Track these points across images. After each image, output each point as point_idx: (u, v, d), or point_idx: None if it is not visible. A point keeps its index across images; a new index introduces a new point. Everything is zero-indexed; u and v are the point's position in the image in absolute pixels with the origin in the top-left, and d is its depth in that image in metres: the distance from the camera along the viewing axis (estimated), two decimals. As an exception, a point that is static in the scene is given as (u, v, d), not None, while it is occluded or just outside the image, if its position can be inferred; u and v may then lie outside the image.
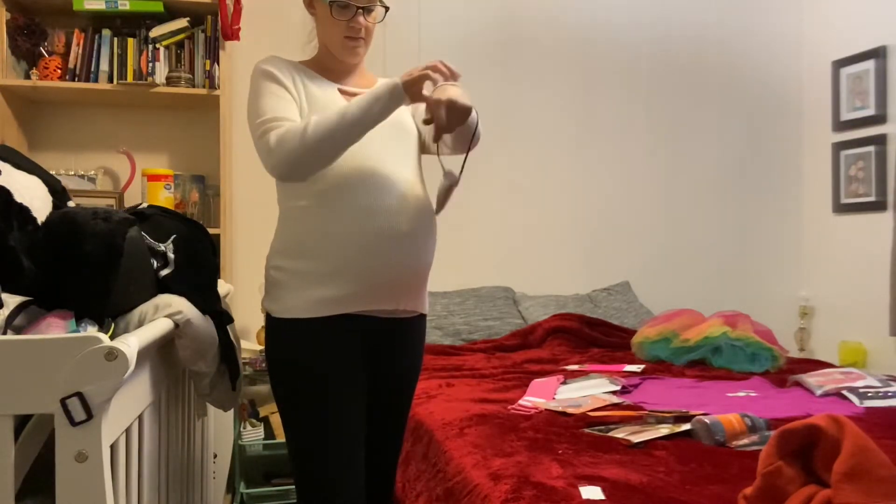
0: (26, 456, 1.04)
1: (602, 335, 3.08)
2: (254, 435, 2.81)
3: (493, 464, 1.54)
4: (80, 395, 0.95)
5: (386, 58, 3.08)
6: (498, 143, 3.43)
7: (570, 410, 1.95)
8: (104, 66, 2.79)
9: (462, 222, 3.23)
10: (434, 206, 1.52)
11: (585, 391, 2.20)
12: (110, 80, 2.80)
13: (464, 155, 1.49)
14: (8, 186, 1.21)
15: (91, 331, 1.15)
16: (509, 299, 3.31)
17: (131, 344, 1.01)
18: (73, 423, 0.95)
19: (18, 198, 1.22)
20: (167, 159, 3.03)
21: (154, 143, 3.02)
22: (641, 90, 3.63)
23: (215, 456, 2.41)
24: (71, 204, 1.45)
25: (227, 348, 1.61)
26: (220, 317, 1.58)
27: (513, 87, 3.47)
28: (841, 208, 3.59)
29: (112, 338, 1.03)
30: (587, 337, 3.05)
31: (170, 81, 2.80)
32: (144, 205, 1.61)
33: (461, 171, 1.45)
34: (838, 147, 3.59)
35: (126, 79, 2.81)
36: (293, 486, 2.79)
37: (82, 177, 2.84)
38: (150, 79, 2.81)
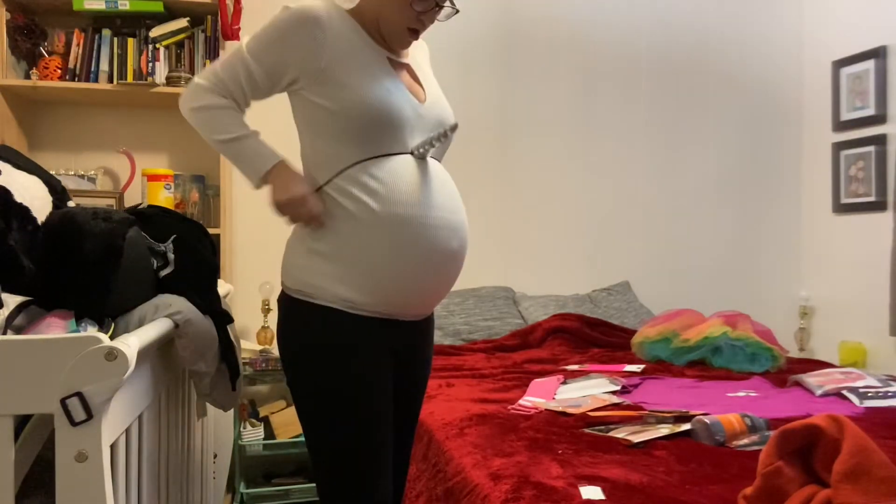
0: (26, 456, 1.04)
1: (602, 335, 3.08)
2: (254, 435, 2.81)
3: (493, 464, 1.54)
4: (80, 395, 0.94)
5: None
6: (498, 142, 3.43)
7: (570, 410, 1.95)
8: (104, 66, 2.79)
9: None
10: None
11: (585, 391, 2.20)
12: (110, 80, 2.80)
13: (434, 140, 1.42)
14: (8, 186, 1.21)
15: (91, 331, 1.15)
16: (509, 299, 3.31)
17: (131, 344, 1.01)
18: (73, 423, 0.95)
19: (18, 198, 1.22)
20: (167, 159, 3.03)
21: (154, 143, 3.02)
22: (641, 90, 3.63)
23: (215, 456, 2.40)
24: (71, 204, 1.45)
25: (227, 348, 1.60)
26: (220, 317, 1.58)
27: (513, 87, 3.47)
28: (841, 208, 3.59)
29: (112, 338, 1.03)
30: (587, 337, 3.05)
31: (170, 81, 2.80)
32: (144, 205, 1.61)
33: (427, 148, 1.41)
34: (838, 147, 3.59)
35: (126, 79, 2.81)
36: (293, 486, 2.83)
37: (82, 177, 2.84)
38: (150, 79, 2.81)
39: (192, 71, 2.87)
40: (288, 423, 2.84)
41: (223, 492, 2.63)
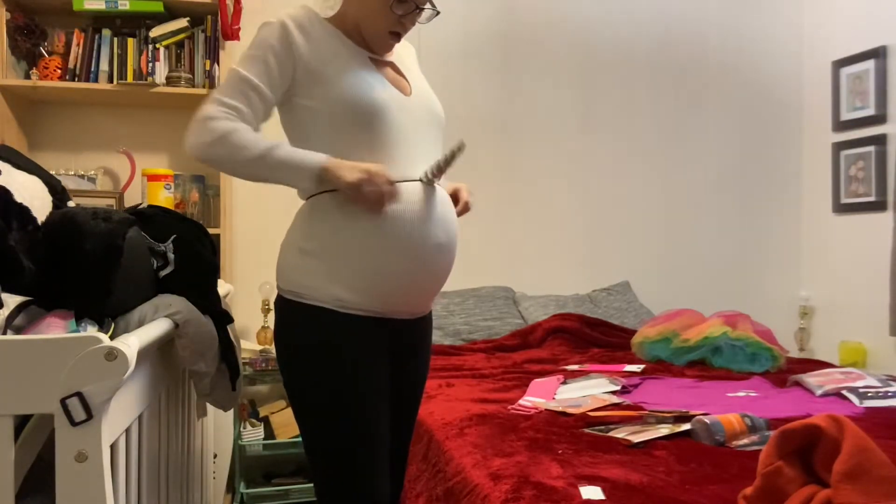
0: (26, 456, 1.04)
1: (602, 335, 3.08)
2: (254, 435, 2.81)
3: (493, 464, 1.54)
4: (80, 395, 0.94)
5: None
6: (498, 142, 3.43)
7: (570, 410, 1.95)
8: (104, 66, 2.79)
9: (462, 222, 3.22)
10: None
11: (585, 391, 2.20)
12: (110, 80, 2.80)
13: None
14: (8, 186, 1.21)
15: (91, 331, 1.15)
16: (509, 299, 3.31)
17: (131, 344, 1.01)
18: (73, 423, 0.95)
19: (18, 198, 1.22)
20: (167, 159, 3.03)
21: (154, 143, 3.02)
22: (641, 90, 3.63)
23: (215, 456, 2.40)
24: (71, 204, 1.45)
25: (227, 348, 1.60)
26: (220, 317, 1.58)
27: (513, 86, 3.47)
28: (841, 208, 3.59)
29: (112, 338, 1.03)
30: (587, 337, 3.05)
31: (170, 81, 2.80)
32: (144, 205, 1.61)
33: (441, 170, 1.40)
34: (838, 147, 3.59)
35: (126, 79, 2.81)
36: (293, 486, 2.83)
37: (82, 177, 2.84)
38: (150, 79, 2.81)
39: (191, 71, 2.87)
40: (288, 423, 2.84)
41: (223, 492, 2.63)
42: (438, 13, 1.46)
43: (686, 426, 1.74)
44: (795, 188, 3.83)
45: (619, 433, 1.71)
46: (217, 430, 2.44)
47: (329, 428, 1.37)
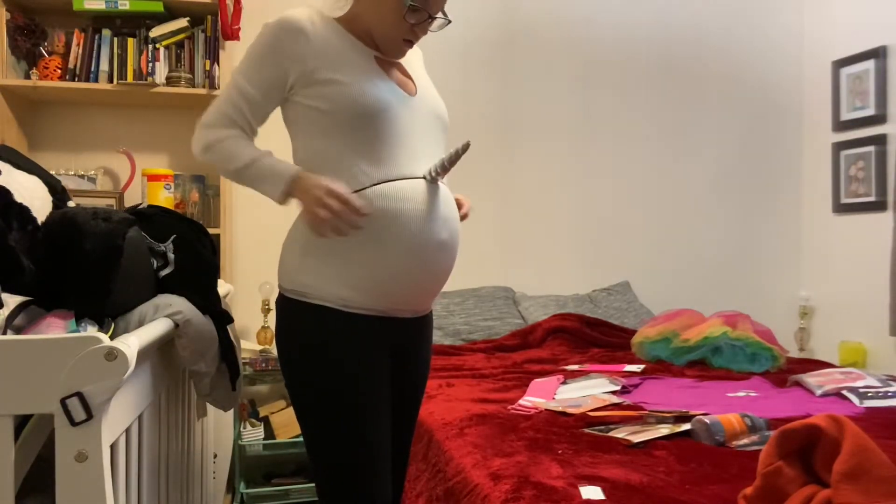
0: (26, 456, 1.04)
1: (602, 335, 3.08)
2: (254, 435, 2.81)
3: (493, 464, 1.54)
4: (80, 395, 0.94)
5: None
6: (498, 142, 3.43)
7: (570, 410, 1.95)
8: (104, 66, 2.79)
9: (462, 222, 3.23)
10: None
11: (585, 391, 2.20)
12: (110, 80, 2.80)
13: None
14: (8, 186, 1.21)
15: (91, 331, 1.15)
16: (509, 299, 3.31)
17: (131, 344, 1.01)
18: (73, 423, 0.95)
19: (18, 198, 1.22)
20: (167, 159, 3.03)
21: (154, 143, 3.02)
22: (641, 90, 3.63)
23: (215, 456, 2.40)
24: (71, 204, 1.45)
25: (227, 348, 1.60)
26: (220, 317, 1.58)
27: (513, 86, 3.47)
28: (841, 208, 3.59)
29: (112, 338, 1.03)
30: (587, 337, 3.05)
31: (170, 81, 2.80)
32: (144, 205, 1.61)
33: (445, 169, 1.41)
34: (838, 147, 3.59)
35: (126, 79, 2.81)
36: (293, 486, 2.83)
37: (82, 177, 2.84)
38: (150, 79, 2.81)
39: (191, 71, 2.87)
40: (288, 423, 2.84)
41: (223, 492, 2.63)
42: (450, 22, 1.46)
43: (686, 426, 1.74)
44: (795, 188, 3.84)
45: (619, 433, 1.71)
46: (217, 430, 2.44)
47: (331, 427, 1.37)
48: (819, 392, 2.20)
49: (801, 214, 3.83)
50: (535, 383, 2.32)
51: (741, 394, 2.23)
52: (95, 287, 1.21)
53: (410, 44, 1.44)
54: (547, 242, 3.50)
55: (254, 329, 3.05)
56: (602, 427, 1.79)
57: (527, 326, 3.12)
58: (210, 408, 2.05)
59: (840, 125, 3.59)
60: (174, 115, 3.03)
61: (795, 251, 3.83)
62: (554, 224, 3.51)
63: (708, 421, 1.69)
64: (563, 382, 2.30)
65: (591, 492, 1.34)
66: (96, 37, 2.80)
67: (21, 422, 1.03)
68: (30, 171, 1.36)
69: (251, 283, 3.02)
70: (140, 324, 1.29)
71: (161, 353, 1.40)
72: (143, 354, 1.11)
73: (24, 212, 1.22)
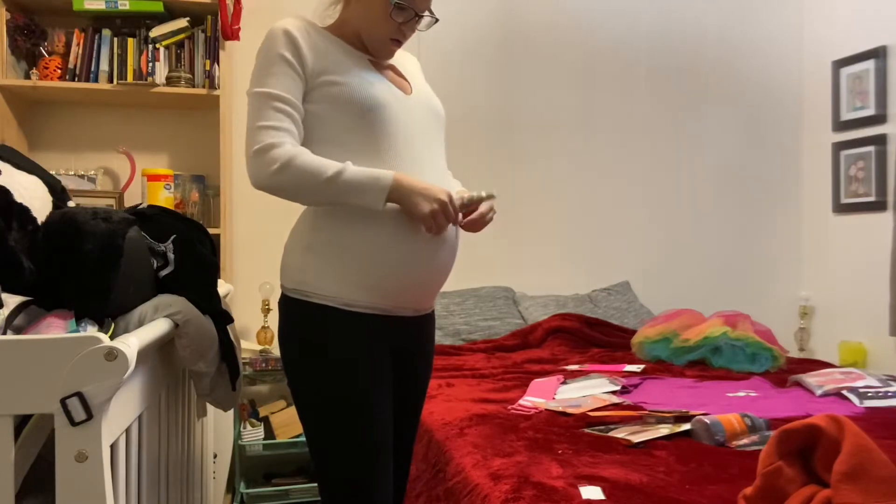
0: (26, 456, 1.04)
1: (602, 335, 3.08)
2: (254, 435, 2.81)
3: (493, 464, 1.54)
4: (80, 394, 0.94)
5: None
6: (498, 142, 3.43)
7: (570, 410, 1.95)
8: (104, 66, 2.79)
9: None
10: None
11: (585, 391, 2.20)
12: (110, 80, 2.80)
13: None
14: (8, 186, 1.21)
15: (91, 331, 1.15)
16: (509, 299, 3.31)
17: (131, 344, 1.01)
18: (73, 423, 0.95)
19: (18, 198, 1.22)
20: (167, 159, 3.03)
21: (154, 143, 3.02)
22: (641, 90, 3.63)
23: (215, 456, 2.41)
24: (71, 204, 1.45)
25: (227, 348, 1.60)
26: (220, 317, 1.58)
27: (513, 86, 3.47)
28: (841, 208, 3.59)
29: (112, 338, 1.03)
30: (587, 337, 3.05)
31: (170, 81, 2.80)
32: (144, 205, 1.61)
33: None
34: (838, 147, 3.59)
35: (126, 79, 2.81)
36: (293, 486, 2.83)
37: (82, 177, 2.84)
38: (150, 79, 2.81)
39: (191, 71, 2.87)
40: (288, 423, 2.84)
41: (223, 492, 2.63)
42: (437, 20, 1.48)
43: (686, 426, 1.74)
44: (795, 188, 3.84)
45: (619, 433, 1.71)
46: (217, 430, 2.44)
47: (333, 426, 1.37)
48: (819, 392, 2.20)
49: (801, 214, 3.83)
50: (535, 383, 2.32)
51: (741, 394, 2.23)
52: (95, 287, 1.21)
53: (399, 43, 1.47)
54: (547, 242, 3.50)
55: (254, 329, 3.05)
56: (602, 427, 1.79)
57: (527, 326, 3.12)
58: (210, 408, 2.05)
59: (840, 125, 3.59)
60: (174, 115, 3.03)
61: (795, 251, 3.83)
62: (554, 224, 3.51)
63: (708, 421, 1.69)
64: (563, 382, 2.30)
65: (591, 492, 1.34)
66: (96, 37, 2.80)
67: (21, 422, 1.03)
68: (30, 171, 1.36)
69: (251, 283, 3.02)
70: (140, 324, 1.29)
71: (161, 353, 1.40)
72: (143, 354, 1.11)
73: (24, 212, 1.22)
